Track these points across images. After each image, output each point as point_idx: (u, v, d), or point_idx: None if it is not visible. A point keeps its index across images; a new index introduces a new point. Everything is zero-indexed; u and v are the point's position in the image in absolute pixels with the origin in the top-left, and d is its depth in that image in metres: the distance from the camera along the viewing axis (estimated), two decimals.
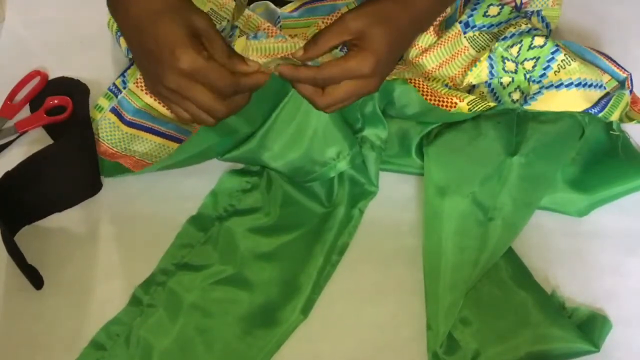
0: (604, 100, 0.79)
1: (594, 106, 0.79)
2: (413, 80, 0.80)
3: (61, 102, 0.85)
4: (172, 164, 0.79)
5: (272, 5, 0.90)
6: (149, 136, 0.84)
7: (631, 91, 0.83)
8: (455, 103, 0.79)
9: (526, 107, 0.80)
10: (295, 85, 0.67)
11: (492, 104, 0.79)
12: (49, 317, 0.73)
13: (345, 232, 0.79)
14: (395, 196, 0.82)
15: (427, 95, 0.80)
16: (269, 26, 0.86)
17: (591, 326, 0.73)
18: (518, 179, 0.76)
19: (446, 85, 0.85)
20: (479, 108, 0.79)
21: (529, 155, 0.77)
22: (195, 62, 0.60)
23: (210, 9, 0.87)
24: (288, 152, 0.78)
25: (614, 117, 0.80)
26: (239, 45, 0.82)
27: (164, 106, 0.86)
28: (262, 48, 0.81)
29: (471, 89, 0.85)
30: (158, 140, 0.84)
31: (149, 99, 0.85)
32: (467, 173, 0.77)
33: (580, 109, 0.79)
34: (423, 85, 0.80)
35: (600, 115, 0.79)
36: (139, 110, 0.85)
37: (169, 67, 0.60)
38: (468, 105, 0.79)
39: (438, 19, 0.86)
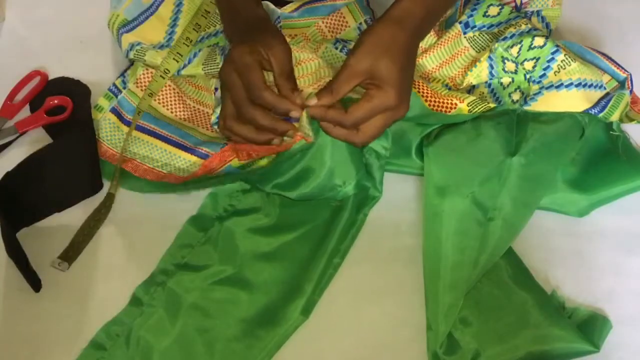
0: (604, 101, 0.79)
1: (594, 106, 0.79)
2: (414, 82, 0.80)
3: (61, 102, 0.85)
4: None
5: (272, 6, 0.90)
6: (149, 139, 0.84)
7: (631, 91, 0.83)
8: (455, 104, 0.79)
9: (526, 107, 0.80)
10: (328, 130, 0.70)
11: (492, 105, 0.79)
12: (49, 317, 0.73)
13: (348, 236, 0.79)
14: (395, 196, 0.82)
15: (427, 97, 0.80)
16: None
17: (591, 326, 0.73)
18: (518, 179, 0.76)
19: (446, 85, 0.85)
20: (479, 109, 0.79)
21: (528, 156, 0.77)
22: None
23: (213, 10, 0.87)
24: (298, 188, 0.79)
25: (614, 117, 0.80)
26: None
27: (164, 106, 0.86)
28: None
29: (471, 89, 0.85)
30: (159, 143, 0.84)
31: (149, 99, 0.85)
32: (467, 173, 0.77)
33: (580, 110, 0.79)
34: (423, 87, 0.80)
35: (600, 115, 0.79)
36: None
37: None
38: (468, 106, 0.79)
39: None
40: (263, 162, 0.80)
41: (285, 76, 0.71)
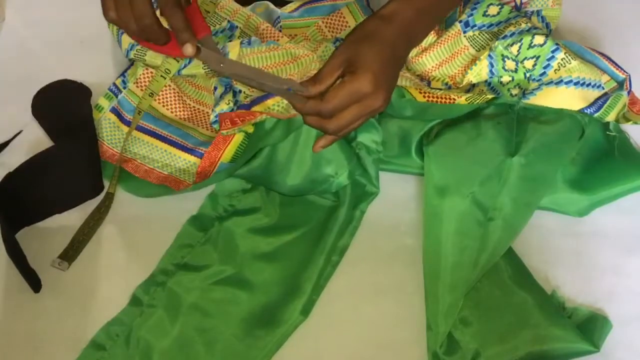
0: (600, 101, 0.79)
1: (590, 106, 0.79)
2: (409, 88, 0.80)
3: None
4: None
5: (272, 6, 0.90)
6: (149, 139, 0.84)
7: (629, 92, 0.83)
8: (454, 99, 0.79)
9: (525, 101, 0.80)
10: (304, 119, 0.69)
11: (490, 96, 0.79)
12: (49, 317, 0.73)
13: (346, 233, 0.79)
14: (395, 196, 0.82)
15: (424, 93, 0.80)
16: (267, 27, 0.86)
17: (591, 326, 0.73)
18: (518, 179, 0.76)
19: (446, 84, 0.85)
20: (478, 101, 0.79)
21: (528, 156, 0.77)
22: None
23: (212, 10, 0.87)
24: (289, 179, 0.79)
25: (610, 117, 0.80)
26: (233, 51, 0.82)
27: (164, 106, 0.86)
28: (254, 59, 0.81)
29: (471, 87, 0.85)
30: (159, 144, 0.84)
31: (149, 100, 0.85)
32: (467, 173, 0.77)
33: (576, 108, 0.79)
34: (420, 86, 0.80)
35: (595, 115, 0.79)
36: None
37: None
38: (467, 101, 0.79)
39: None
40: (239, 137, 0.80)
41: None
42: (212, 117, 0.82)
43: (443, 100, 0.79)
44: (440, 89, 0.83)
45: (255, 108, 0.77)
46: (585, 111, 0.78)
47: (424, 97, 0.79)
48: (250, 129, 0.80)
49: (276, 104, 0.77)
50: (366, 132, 0.80)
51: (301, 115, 0.70)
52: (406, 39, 0.70)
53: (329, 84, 0.67)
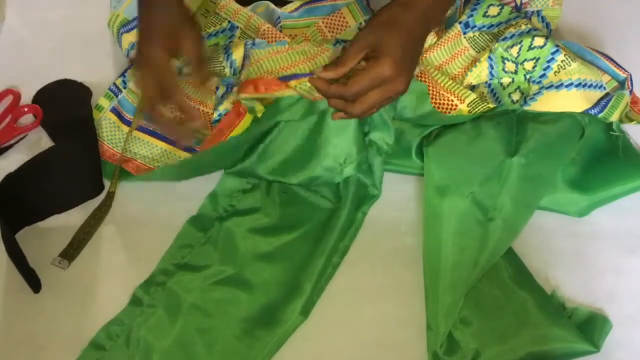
0: (603, 101, 0.79)
1: (593, 107, 0.79)
2: (421, 75, 0.80)
3: (31, 111, 0.85)
4: (174, 176, 0.81)
5: (272, 6, 0.90)
6: (149, 139, 0.84)
7: (631, 91, 0.83)
8: (456, 105, 0.79)
9: (526, 107, 0.80)
10: (328, 101, 0.72)
11: (491, 105, 0.79)
12: (49, 317, 0.73)
13: (347, 234, 0.79)
14: (395, 196, 0.82)
15: (430, 93, 0.80)
16: (269, 27, 0.86)
17: (591, 326, 0.73)
18: (518, 179, 0.77)
19: None
20: (479, 109, 0.79)
21: (528, 156, 0.77)
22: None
23: (213, 10, 0.87)
24: (304, 170, 0.80)
25: (614, 117, 0.80)
26: (237, 51, 0.82)
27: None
28: (271, 61, 0.81)
29: (471, 89, 0.85)
30: (159, 143, 0.84)
31: None
32: (467, 173, 0.77)
33: (580, 110, 0.79)
34: (427, 78, 0.80)
35: (600, 115, 0.79)
36: None
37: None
38: (468, 107, 0.79)
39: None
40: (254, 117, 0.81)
41: (197, 61, 0.76)
42: (214, 116, 0.82)
43: (445, 107, 0.79)
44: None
45: None
46: (590, 112, 0.79)
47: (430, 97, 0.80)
48: (260, 112, 0.80)
49: (299, 85, 0.77)
50: (379, 131, 0.80)
51: (325, 98, 0.72)
52: (425, 25, 0.73)
53: (351, 66, 0.70)
